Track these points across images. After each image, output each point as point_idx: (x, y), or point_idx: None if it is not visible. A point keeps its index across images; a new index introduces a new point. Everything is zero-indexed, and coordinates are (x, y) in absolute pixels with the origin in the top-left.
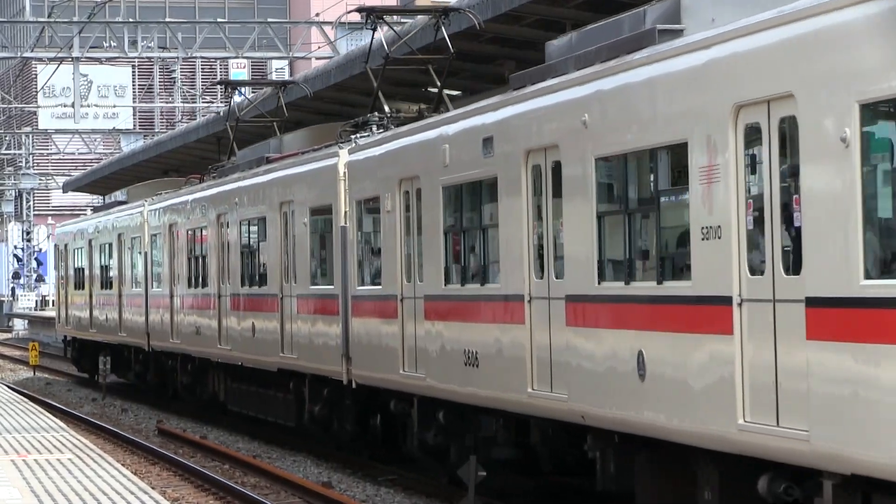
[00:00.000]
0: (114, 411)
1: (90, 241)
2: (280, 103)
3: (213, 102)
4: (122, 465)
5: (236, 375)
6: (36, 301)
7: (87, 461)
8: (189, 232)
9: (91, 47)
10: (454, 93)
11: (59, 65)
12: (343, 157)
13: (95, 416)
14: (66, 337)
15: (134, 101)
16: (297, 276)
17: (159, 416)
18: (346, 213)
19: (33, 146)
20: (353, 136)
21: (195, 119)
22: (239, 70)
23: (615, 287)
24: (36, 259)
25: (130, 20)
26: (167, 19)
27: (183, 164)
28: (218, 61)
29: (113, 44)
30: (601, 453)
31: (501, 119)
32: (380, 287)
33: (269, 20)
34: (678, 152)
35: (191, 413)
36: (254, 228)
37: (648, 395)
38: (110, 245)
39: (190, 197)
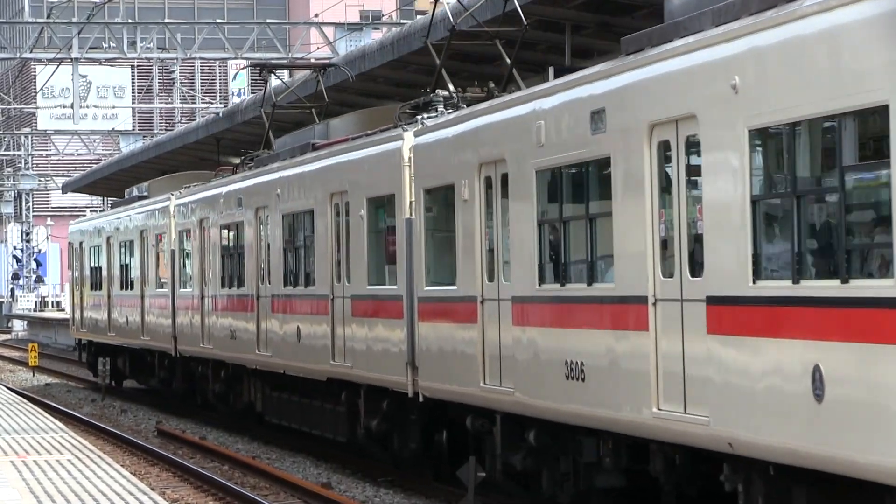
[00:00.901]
0: (113, 412)
1: (108, 239)
2: (319, 87)
3: (212, 103)
4: (122, 465)
5: (276, 384)
6: (35, 302)
7: (86, 462)
8: (222, 228)
9: (90, 48)
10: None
11: (58, 66)
12: (408, 140)
13: (95, 417)
14: (80, 340)
15: (133, 102)
16: (352, 274)
17: (159, 417)
18: (411, 203)
19: (32, 147)
20: (417, 118)
21: (194, 120)
22: (238, 71)
23: (781, 287)
24: (35, 260)
25: (129, 21)
26: (166, 20)
27: (182, 166)
28: (217, 62)
29: (112, 45)
30: (745, 485)
31: (617, 88)
32: (454, 287)
33: (269, 21)
34: (875, 118)
35: (190, 414)
36: (299, 222)
37: (827, 419)
38: (131, 243)
39: (223, 189)
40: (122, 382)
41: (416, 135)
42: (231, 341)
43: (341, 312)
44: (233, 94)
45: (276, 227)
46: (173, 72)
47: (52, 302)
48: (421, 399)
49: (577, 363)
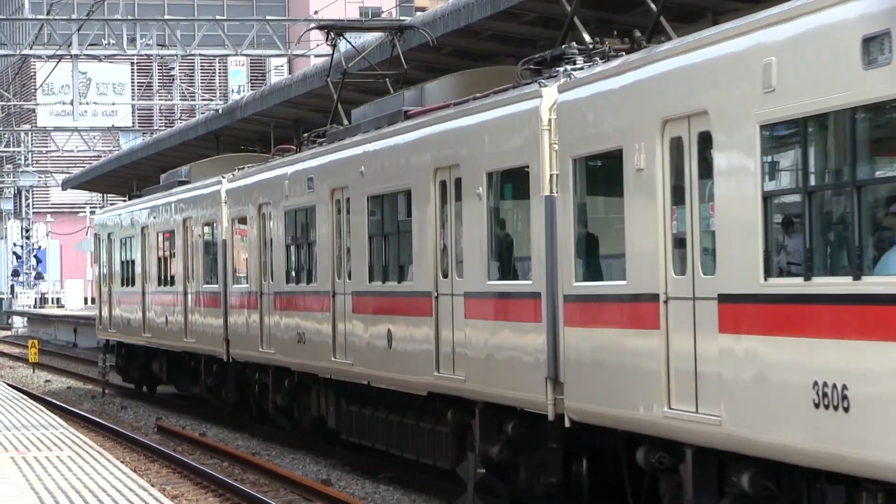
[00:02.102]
0: (113, 408)
1: (143, 230)
2: (396, 52)
3: (211, 100)
4: (122, 462)
5: (356, 397)
6: (35, 299)
7: (86, 458)
8: (288, 214)
9: (90, 45)
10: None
11: (57, 62)
12: (548, 97)
13: (95, 414)
14: (107, 342)
15: (133, 99)
16: (466, 267)
17: (158, 414)
18: (552, 175)
19: (32, 144)
20: (555, 72)
21: (194, 117)
22: (238, 68)
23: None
24: (35, 257)
25: (129, 18)
26: (166, 17)
27: (182, 162)
28: (217, 59)
29: (112, 41)
30: None
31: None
32: (622, 283)
33: (268, 18)
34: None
35: (190, 411)
36: (391, 204)
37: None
38: (172, 233)
39: (288, 170)
40: (155, 389)
41: (562, 90)
42: (298, 346)
43: (449, 314)
44: (232, 91)
45: (359, 211)
46: (173, 68)
47: (52, 299)
48: (568, 424)
49: (836, 386)
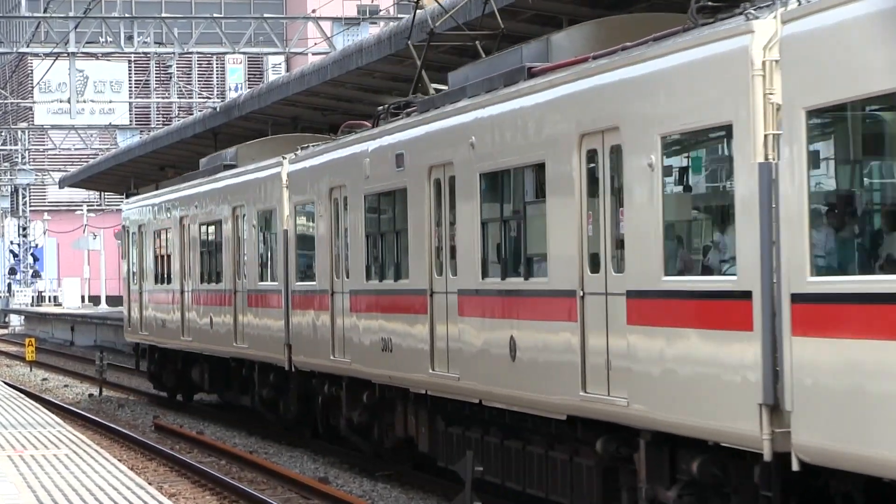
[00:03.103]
0: (110, 407)
1: (182, 220)
2: (490, 9)
3: (209, 98)
4: (119, 460)
5: (460, 417)
6: (32, 297)
7: (83, 457)
8: (369, 198)
9: (87, 42)
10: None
11: (54, 60)
12: (762, 32)
13: (92, 412)
14: (138, 345)
15: (130, 97)
16: (629, 259)
17: (156, 412)
18: (769, 137)
19: (29, 142)
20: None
21: (192, 115)
22: (235, 66)
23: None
24: (32, 255)
25: (126, 15)
26: (163, 15)
27: (180, 160)
28: (214, 57)
29: (109, 39)
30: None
31: None
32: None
33: (266, 16)
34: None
35: (187, 409)
36: (516, 183)
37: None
38: (218, 223)
39: (368, 146)
40: (191, 397)
41: (787, 19)
42: (383, 355)
43: (600, 317)
44: (230, 89)
45: (467, 192)
46: (170, 66)
47: (49, 297)
48: (796, 466)
49: None
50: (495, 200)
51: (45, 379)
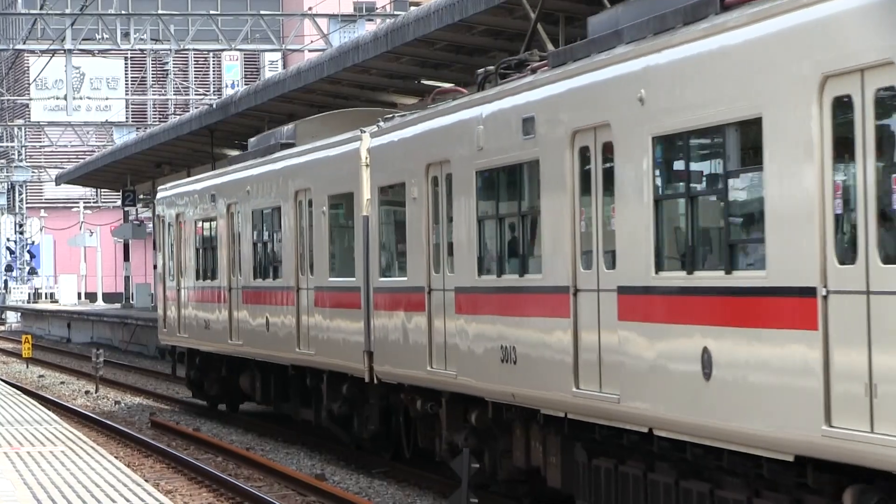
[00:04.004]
0: (107, 404)
1: (230, 207)
2: None
3: (206, 95)
4: (115, 457)
5: (604, 446)
6: (28, 294)
7: (79, 454)
8: (483, 175)
9: (83, 39)
10: (446, 84)
11: (51, 57)
12: None
13: (88, 409)
14: (174, 349)
15: (126, 94)
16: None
17: (152, 409)
18: None
19: (26, 138)
20: None
21: (188, 111)
22: (232, 63)
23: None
24: (29, 252)
25: (123, 12)
26: (160, 12)
27: (176, 157)
28: (211, 54)
29: (105, 36)
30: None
31: None
32: None
33: (262, 12)
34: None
35: (183, 406)
36: (710, 147)
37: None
38: (277, 210)
39: (482, 111)
40: (237, 407)
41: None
42: (505, 367)
43: (849, 323)
44: (226, 86)
45: (635, 162)
46: (167, 63)
47: (46, 294)
48: None
49: None
50: (676, 171)
51: (41, 376)
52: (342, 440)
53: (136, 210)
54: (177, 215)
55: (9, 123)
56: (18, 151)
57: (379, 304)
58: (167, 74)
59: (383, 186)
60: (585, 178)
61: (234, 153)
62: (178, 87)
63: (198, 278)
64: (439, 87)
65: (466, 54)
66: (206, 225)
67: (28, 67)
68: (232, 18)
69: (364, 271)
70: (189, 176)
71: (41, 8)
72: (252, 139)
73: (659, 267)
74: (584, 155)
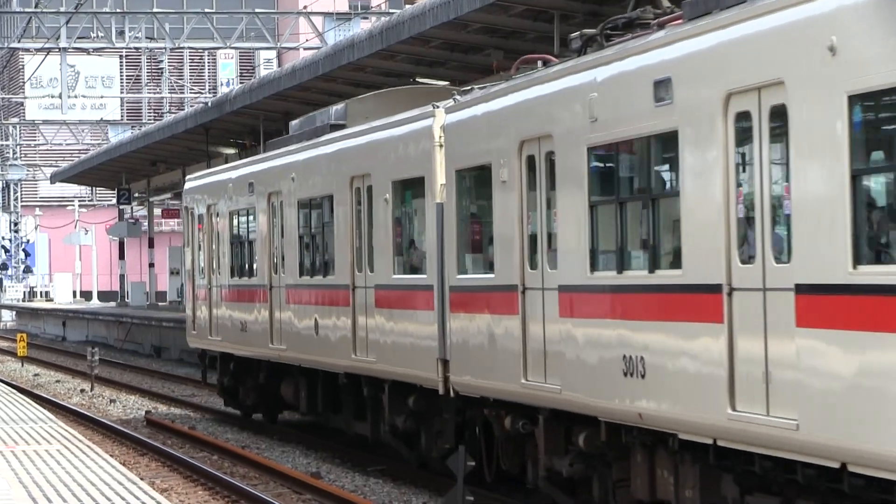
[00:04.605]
0: (102, 402)
1: (271, 197)
2: None
3: (201, 93)
4: (111, 455)
5: (763, 480)
6: (24, 292)
7: (75, 452)
8: (596, 152)
9: (78, 38)
10: (439, 83)
11: (46, 55)
12: None
13: (83, 407)
14: (204, 353)
15: (121, 92)
16: None
17: (147, 407)
18: None
19: (20, 137)
20: None
21: (183, 110)
22: (227, 61)
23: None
24: (24, 250)
25: (118, 11)
26: (154, 10)
27: (171, 155)
28: (206, 52)
29: (100, 34)
30: None
31: None
32: None
33: (257, 10)
34: None
35: (179, 404)
36: None
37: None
38: (327, 200)
39: (596, 75)
40: (275, 417)
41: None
42: (630, 382)
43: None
44: (221, 84)
45: (820, 129)
46: (162, 61)
47: (41, 292)
48: None
49: None
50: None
51: (36, 374)
52: (405, 458)
53: (132, 208)
54: (208, 207)
55: (4, 122)
56: (13, 150)
57: (457, 304)
58: (162, 72)
59: (462, 169)
60: (745, 150)
61: (231, 151)
62: (173, 86)
63: (233, 276)
64: (427, 83)
65: (461, 52)
66: (243, 217)
67: (23, 66)
68: (227, 16)
69: (438, 267)
70: (185, 175)
71: (36, 6)
72: (293, 122)
73: (859, 260)
74: (745, 123)
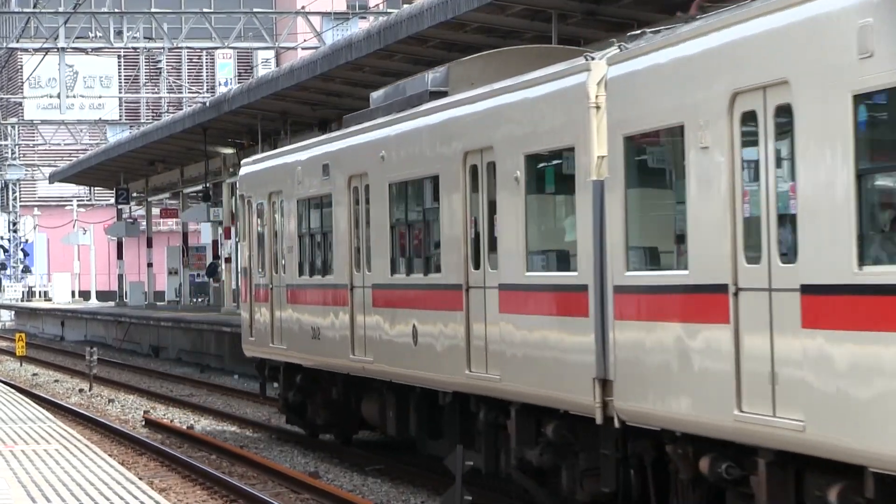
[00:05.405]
0: (100, 402)
1: (352, 180)
2: None
3: (199, 93)
4: (109, 455)
5: None
6: (22, 292)
7: (73, 452)
8: (878, 97)
9: (77, 38)
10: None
11: (44, 55)
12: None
13: (82, 407)
14: (262, 363)
15: (120, 92)
16: None
17: (146, 407)
18: None
19: (19, 137)
20: None
21: (181, 109)
22: (225, 61)
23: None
24: (22, 250)
25: (116, 11)
26: (153, 10)
27: (169, 155)
28: (204, 52)
29: (98, 34)
30: None
31: None
32: None
33: (255, 10)
34: None
35: (177, 404)
36: None
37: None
38: (432, 181)
39: None
40: (350, 438)
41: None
42: None
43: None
44: (219, 84)
45: None
46: (160, 61)
47: (39, 292)
48: None
49: None
50: None
51: (35, 374)
52: (537, 500)
53: (130, 208)
54: (269, 195)
55: (2, 122)
56: (12, 150)
57: (626, 309)
58: (160, 72)
59: (634, 135)
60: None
61: (229, 151)
62: (171, 86)
63: (302, 274)
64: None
65: (459, 52)
66: (316, 205)
67: (21, 66)
68: (225, 16)
69: (594, 262)
70: (183, 175)
71: (34, 6)
72: (375, 94)
73: None
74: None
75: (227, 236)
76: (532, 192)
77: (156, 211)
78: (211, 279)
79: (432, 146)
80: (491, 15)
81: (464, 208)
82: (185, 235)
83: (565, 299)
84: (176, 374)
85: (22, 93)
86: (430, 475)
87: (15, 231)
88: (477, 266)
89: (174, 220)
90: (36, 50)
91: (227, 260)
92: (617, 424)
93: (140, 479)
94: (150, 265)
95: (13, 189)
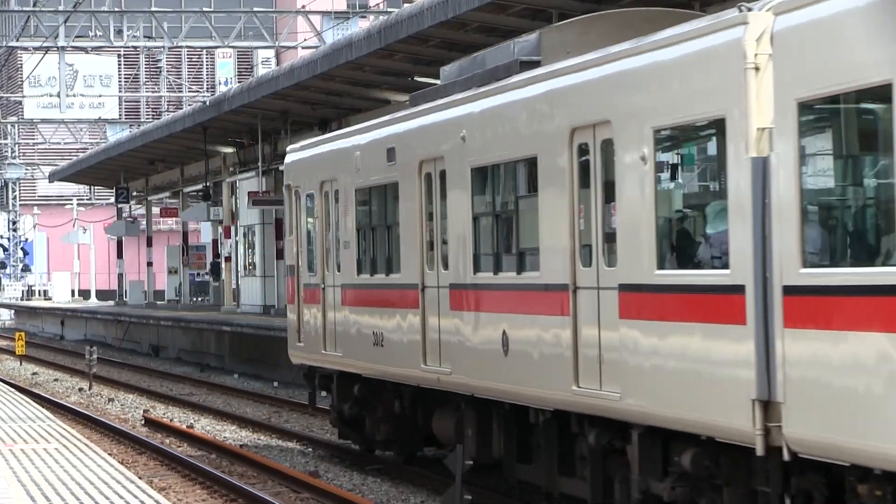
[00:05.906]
0: (100, 401)
1: (423, 165)
2: None
3: (199, 92)
4: (109, 454)
5: None
6: (22, 291)
7: (73, 451)
8: None
9: (77, 37)
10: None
11: (44, 54)
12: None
13: (82, 406)
14: (311, 370)
15: (120, 91)
16: None
17: (146, 406)
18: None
19: (19, 136)
20: None
21: (181, 109)
22: (225, 60)
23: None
24: (22, 249)
25: (116, 10)
26: (153, 9)
27: (169, 154)
28: (204, 51)
29: (99, 33)
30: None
31: None
32: None
33: (255, 10)
34: None
35: (177, 403)
36: None
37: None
38: (529, 164)
39: None
40: (412, 456)
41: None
42: None
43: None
44: (220, 83)
45: None
46: (160, 60)
47: (39, 291)
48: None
49: None
50: None
51: (34, 373)
52: None
53: (130, 207)
54: (321, 184)
55: (2, 121)
56: (11, 149)
57: (799, 315)
58: (160, 71)
59: (811, 100)
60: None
61: (229, 150)
62: (171, 85)
63: (361, 272)
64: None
65: (460, 51)
66: (379, 194)
67: (21, 65)
68: (225, 15)
69: (755, 257)
70: (183, 174)
71: (34, 5)
72: (447, 67)
73: None
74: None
75: (227, 235)
76: (661, 174)
77: (156, 210)
78: (212, 278)
79: (528, 123)
80: (491, 14)
81: (570, 194)
82: (185, 234)
83: (713, 303)
84: (176, 374)
85: (22, 92)
86: (431, 475)
87: (15, 230)
88: (587, 263)
89: (174, 219)
90: (36, 49)
91: (227, 259)
92: (786, 457)
93: (140, 478)
94: (149, 264)
95: (13, 188)
